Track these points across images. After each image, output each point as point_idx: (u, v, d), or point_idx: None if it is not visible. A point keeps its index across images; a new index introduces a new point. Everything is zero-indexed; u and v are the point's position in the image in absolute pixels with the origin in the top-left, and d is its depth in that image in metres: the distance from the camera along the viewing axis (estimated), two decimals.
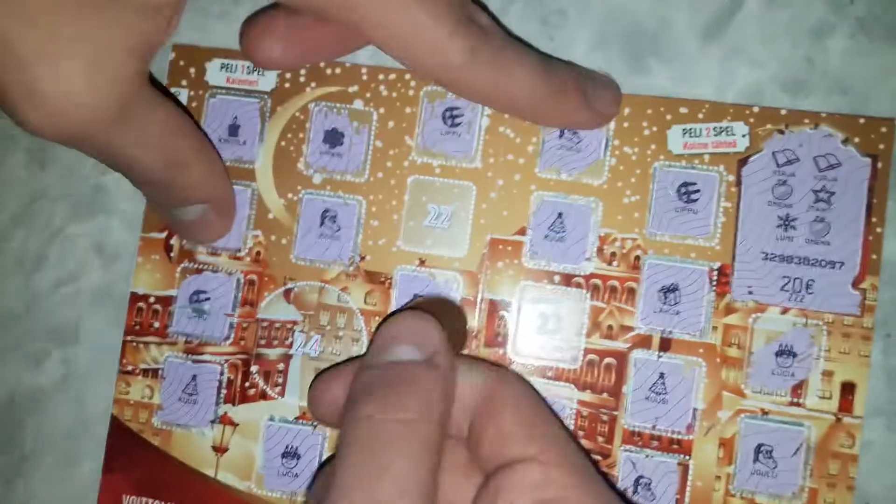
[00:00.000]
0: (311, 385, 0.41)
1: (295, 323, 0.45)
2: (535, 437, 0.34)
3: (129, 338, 0.47)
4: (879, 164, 0.41)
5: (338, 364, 0.44)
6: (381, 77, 0.45)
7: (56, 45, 0.30)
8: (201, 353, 0.46)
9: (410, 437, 0.30)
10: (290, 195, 0.46)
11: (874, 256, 0.41)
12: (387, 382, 0.32)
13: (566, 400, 0.42)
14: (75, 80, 0.31)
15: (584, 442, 0.42)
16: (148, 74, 0.34)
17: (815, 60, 0.42)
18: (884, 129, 0.41)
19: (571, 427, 0.42)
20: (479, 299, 0.44)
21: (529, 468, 0.33)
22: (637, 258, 0.43)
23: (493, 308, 0.43)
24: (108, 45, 0.31)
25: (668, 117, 0.43)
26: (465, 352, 0.43)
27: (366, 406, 0.33)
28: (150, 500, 0.45)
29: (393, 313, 0.44)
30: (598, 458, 0.42)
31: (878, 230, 0.41)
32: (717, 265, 0.42)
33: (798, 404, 0.40)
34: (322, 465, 0.45)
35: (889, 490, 0.40)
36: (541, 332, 0.43)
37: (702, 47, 0.43)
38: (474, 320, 0.43)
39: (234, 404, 0.45)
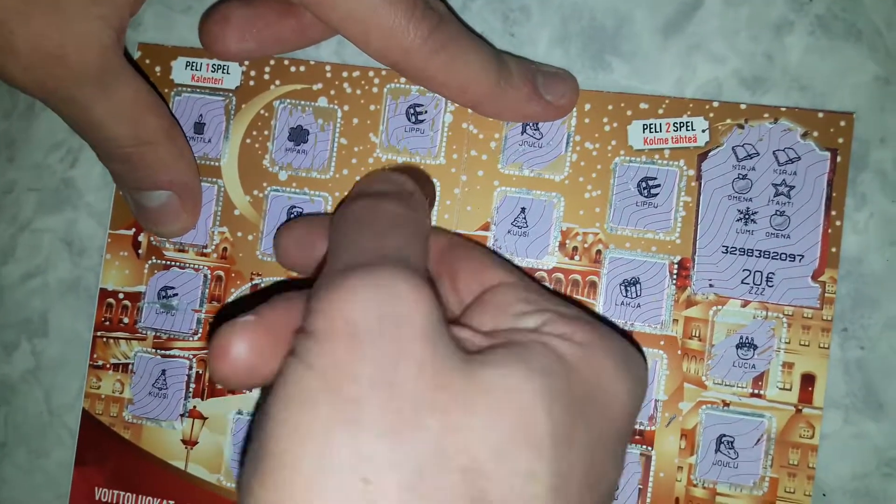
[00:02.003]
0: (279, 232, 0.36)
1: None
2: (509, 268, 0.30)
3: (99, 333, 0.40)
4: (839, 158, 0.35)
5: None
6: (345, 74, 0.39)
7: (31, 5, 0.29)
8: (170, 349, 0.39)
9: (401, 221, 0.28)
10: (255, 192, 0.39)
11: (833, 250, 0.35)
12: (371, 196, 0.30)
13: None
14: (48, 36, 0.30)
15: None
16: (122, 46, 0.33)
17: (774, 57, 0.36)
18: (843, 123, 0.35)
19: None
20: None
21: (513, 288, 0.29)
22: (598, 252, 0.37)
23: None
24: (80, 9, 0.30)
25: (629, 113, 0.37)
26: None
27: (354, 204, 0.30)
28: (122, 493, 0.39)
29: None
30: None
31: (838, 223, 0.35)
32: (677, 259, 0.36)
33: (759, 395, 0.35)
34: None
35: (846, 482, 0.35)
36: None
37: (662, 44, 0.37)
38: None
39: (202, 398, 0.39)
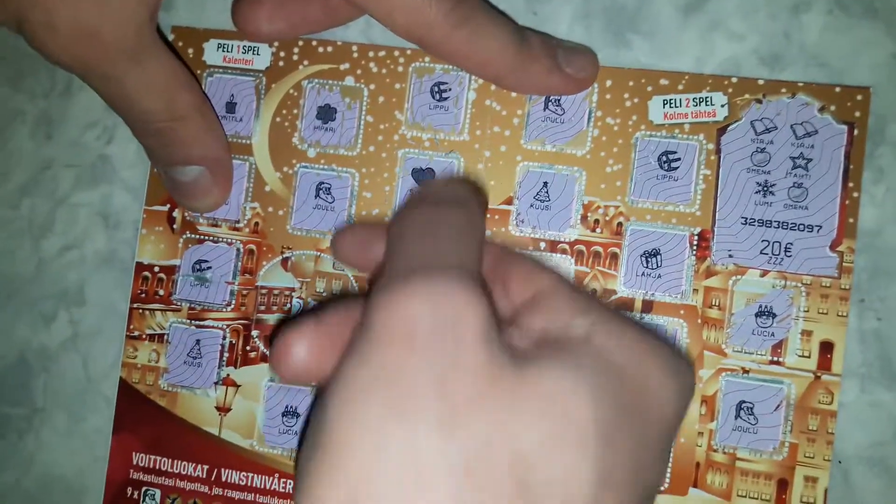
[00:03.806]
0: (338, 231, 0.32)
1: (293, 290, 0.34)
2: (559, 273, 0.27)
3: (135, 305, 0.35)
4: (856, 132, 0.31)
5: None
6: (371, 54, 0.34)
7: None
8: (204, 319, 0.35)
9: (459, 228, 0.25)
10: (285, 169, 0.35)
11: (851, 220, 0.31)
12: (431, 203, 0.27)
13: None
14: (86, 14, 0.28)
15: None
16: (156, 24, 0.30)
17: (792, 35, 0.32)
18: (859, 97, 0.31)
19: None
20: None
21: (563, 292, 0.25)
22: (620, 225, 0.32)
23: None
24: None
25: (649, 89, 0.32)
26: None
27: (415, 210, 0.26)
28: (158, 458, 0.35)
29: None
30: None
31: (855, 195, 0.31)
32: (697, 230, 0.31)
33: (778, 363, 0.30)
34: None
35: (862, 450, 0.31)
36: None
37: (682, 22, 0.33)
38: None
39: (235, 367, 0.34)
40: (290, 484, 0.35)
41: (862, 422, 0.31)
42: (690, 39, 0.34)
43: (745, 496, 0.31)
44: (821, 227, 0.32)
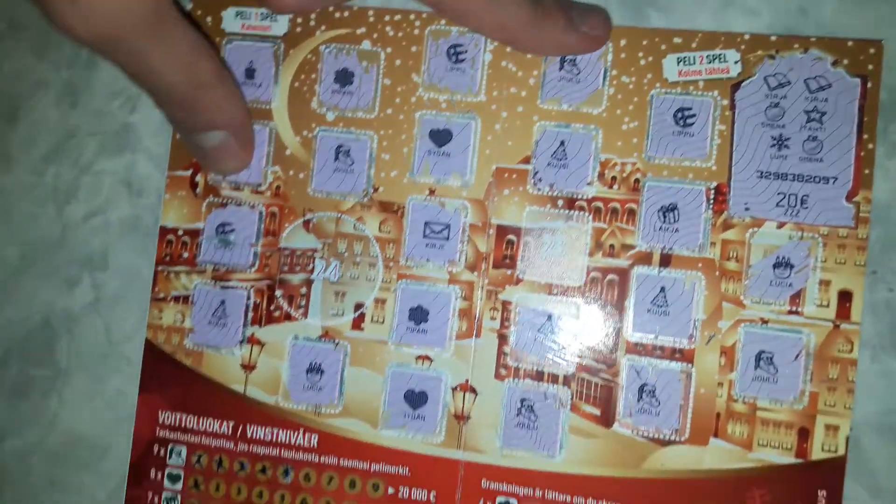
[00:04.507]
0: None
1: (315, 251, 0.33)
2: None
3: (160, 268, 0.34)
4: (869, 84, 0.29)
5: None
6: (387, 18, 0.33)
7: None
8: (229, 280, 0.33)
9: None
10: (305, 132, 0.33)
11: (867, 171, 0.29)
12: None
13: (571, 315, 0.30)
14: None
15: (588, 352, 0.30)
16: None
17: (808, 11, 0.30)
18: (872, 51, 0.29)
19: (577, 339, 0.30)
20: (487, 225, 0.31)
21: None
22: (637, 181, 0.31)
23: (501, 233, 0.31)
24: None
25: (663, 47, 0.31)
26: (475, 273, 0.31)
27: None
28: (184, 415, 0.33)
29: None
30: (602, 366, 0.30)
31: (870, 146, 0.29)
32: (713, 184, 0.30)
33: (797, 312, 0.29)
34: None
35: (873, 417, 0.29)
36: (546, 253, 0.30)
37: None
38: (483, 245, 0.31)
39: (260, 326, 0.33)
40: (314, 438, 0.33)
41: (873, 390, 0.30)
42: (706, 15, 0.32)
43: (766, 445, 0.30)
44: (836, 178, 0.30)
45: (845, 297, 0.30)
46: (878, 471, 0.30)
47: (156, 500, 0.35)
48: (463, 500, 0.32)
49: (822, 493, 0.29)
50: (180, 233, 0.35)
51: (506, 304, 0.32)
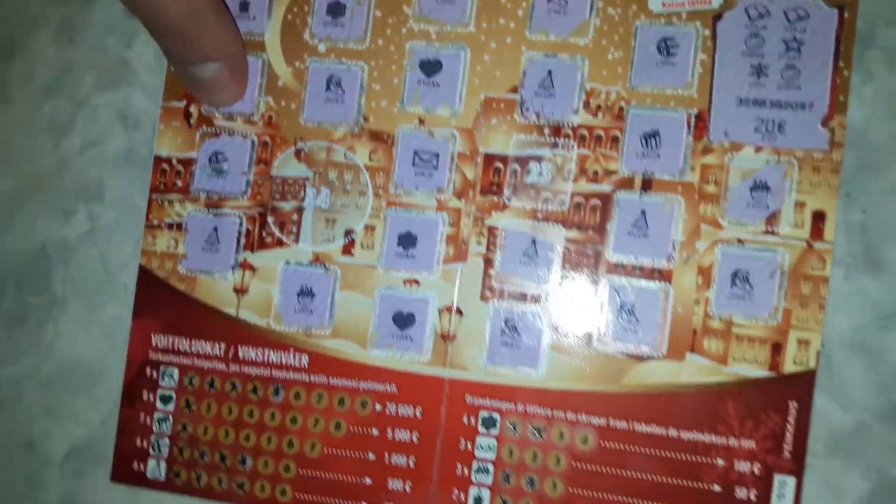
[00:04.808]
0: None
1: (306, 179, 0.34)
2: None
3: (154, 196, 0.34)
4: (846, 14, 0.30)
5: None
6: None
7: None
8: (221, 207, 0.34)
9: None
10: (297, 63, 0.34)
11: (841, 98, 0.30)
12: None
13: (555, 238, 0.31)
14: None
15: (570, 274, 0.31)
16: None
17: None
18: None
19: (560, 262, 0.31)
20: (475, 153, 0.32)
21: None
22: (621, 109, 0.32)
23: (489, 161, 0.32)
24: None
25: None
26: (463, 200, 0.32)
27: None
28: (177, 338, 0.34)
29: None
30: (584, 287, 0.30)
31: (846, 74, 0.30)
32: (694, 111, 0.31)
33: (772, 233, 0.30)
34: None
35: (845, 334, 0.30)
36: (532, 180, 0.31)
37: None
38: (471, 173, 0.32)
39: (252, 251, 0.34)
40: (304, 358, 0.34)
41: (845, 308, 0.31)
42: None
43: (741, 360, 0.31)
44: (812, 104, 0.31)
45: (819, 217, 0.31)
46: (849, 385, 0.31)
47: (148, 420, 0.36)
48: (448, 415, 0.33)
49: (793, 405, 0.30)
50: (174, 162, 0.36)
51: (492, 230, 0.33)
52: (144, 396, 0.35)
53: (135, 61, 0.37)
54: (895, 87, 0.32)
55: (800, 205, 0.31)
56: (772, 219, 0.31)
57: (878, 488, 0.30)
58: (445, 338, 0.33)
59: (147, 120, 0.37)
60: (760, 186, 0.31)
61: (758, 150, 0.32)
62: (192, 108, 0.36)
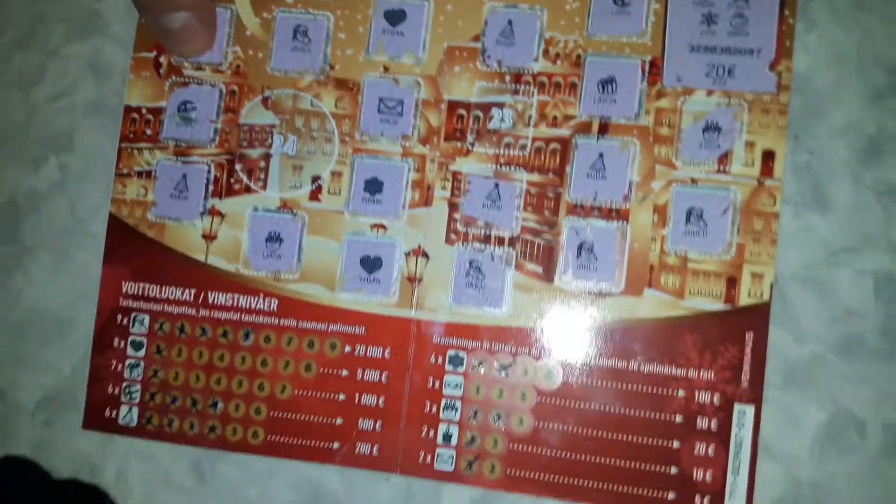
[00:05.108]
0: None
1: (273, 126, 0.34)
2: None
3: (124, 145, 0.35)
4: None
5: None
6: None
7: None
8: (190, 155, 0.35)
9: None
10: (265, 14, 0.35)
11: (787, 43, 0.31)
12: None
13: (517, 181, 0.32)
14: None
15: (531, 216, 0.32)
16: None
17: None
18: None
19: (521, 204, 0.32)
20: (438, 101, 0.33)
21: None
22: (578, 57, 0.33)
23: (452, 107, 0.33)
24: None
25: None
26: (427, 146, 0.33)
27: None
28: (147, 285, 0.34)
29: None
30: (544, 228, 0.32)
31: (791, 21, 0.31)
32: (649, 58, 0.32)
33: (724, 171, 0.31)
34: None
35: (797, 271, 0.32)
36: (494, 125, 0.32)
37: None
38: (435, 120, 0.33)
39: (220, 198, 0.34)
40: (274, 302, 0.35)
41: (796, 245, 0.32)
42: None
43: (697, 294, 0.32)
44: (760, 50, 0.33)
45: (769, 156, 0.32)
46: (802, 318, 0.32)
47: (119, 367, 0.36)
48: (416, 355, 0.34)
49: (749, 336, 0.32)
50: (144, 111, 0.37)
51: (456, 175, 0.34)
52: (115, 343, 0.36)
53: (106, 12, 0.38)
54: (838, 36, 0.33)
55: (750, 145, 0.32)
56: (723, 158, 0.33)
57: (834, 418, 0.32)
58: (412, 280, 0.34)
59: (117, 69, 0.37)
60: (712, 128, 0.33)
61: (709, 93, 0.33)
62: (162, 59, 0.37)
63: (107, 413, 0.36)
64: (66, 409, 0.36)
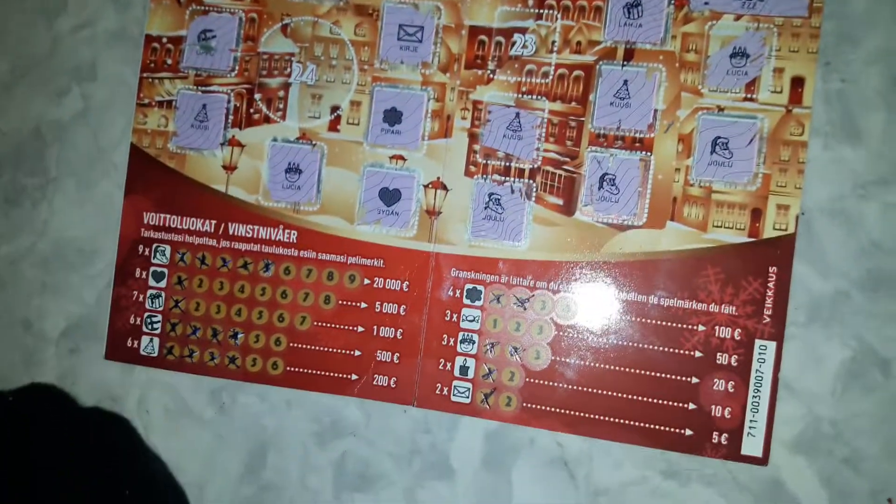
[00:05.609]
0: None
1: (292, 55, 0.34)
2: None
3: (145, 74, 0.35)
4: None
5: None
6: None
7: None
8: (210, 85, 0.34)
9: None
10: None
11: None
12: None
13: (538, 111, 0.31)
14: None
15: (552, 146, 0.31)
16: None
17: None
18: None
19: (542, 134, 0.31)
20: (459, 26, 0.32)
21: None
22: None
23: (474, 33, 0.32)
24: None
25: None
26: (447, 74, 0.32)
27: None
28: (168, 216, 0.34)
29: None
30: (566, 159, 0.31)
31: None
32: None
33: (751, 99, 0.30)
34: None
35: (825, 203, 0.31)
36: (516, 52, 0.31)
37: None
38: (455, 47, 0.32)
39: (240, 128, 0.34)
40: (293, 234, 0.35)
41: (825, 177, 0.31)
42: None
43: (721, 226, 0.31)
44: None
45: (798, 83, 0.31)
46: (827, 252, 0.31)
47: (141, 298, 0.36)
48: (434, 288, 0.34)
49: (772, 270, 0.31)
50: (164, 40, 0.36)
51: (476, 104, 0.34)
52: (137, 273, 0.36)
53: None
54: None
55: (778, 70, 0.31)
56: (751, 85, 0.31)
57: (857, 356, 0.31)
58: (430, 213, 0.34)
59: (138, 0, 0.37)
60: (740, 53, 0.32)
61: (737, 17, 0.32)
62: None
63: (129, 343, 0.36)
64: (89, 338, 0.37)
